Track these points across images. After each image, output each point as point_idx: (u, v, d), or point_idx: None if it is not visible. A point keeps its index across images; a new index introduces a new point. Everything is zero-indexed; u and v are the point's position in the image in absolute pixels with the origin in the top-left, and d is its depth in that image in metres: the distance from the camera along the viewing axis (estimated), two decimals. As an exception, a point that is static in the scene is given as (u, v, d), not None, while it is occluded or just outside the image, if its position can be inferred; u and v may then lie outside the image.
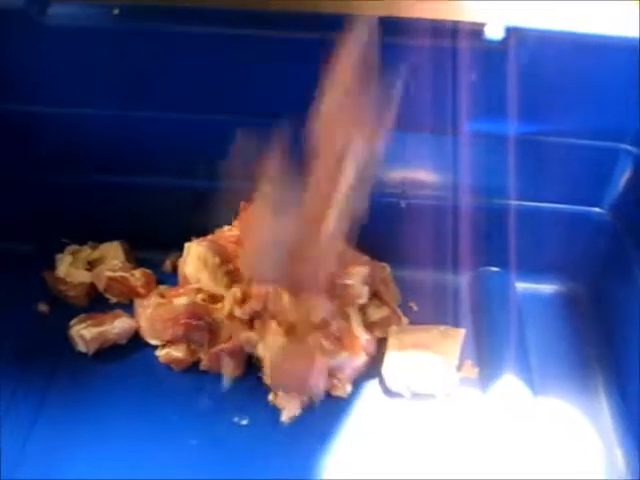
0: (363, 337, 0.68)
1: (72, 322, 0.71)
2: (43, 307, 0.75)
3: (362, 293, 0.70)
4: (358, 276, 0.69)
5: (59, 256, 0.77)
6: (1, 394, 0.66)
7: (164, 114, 0.71)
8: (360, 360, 0.68)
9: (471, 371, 0.70)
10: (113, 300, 0.76)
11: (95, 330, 0.70)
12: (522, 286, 0.78)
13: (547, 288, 0.79)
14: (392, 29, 0.59)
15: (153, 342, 0.71)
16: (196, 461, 0.63)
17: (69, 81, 0.69)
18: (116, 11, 0.65)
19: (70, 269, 0.76)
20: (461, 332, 0.70)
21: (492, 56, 0.63)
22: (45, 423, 0.65)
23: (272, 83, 0.67)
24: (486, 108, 0.66)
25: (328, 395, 0.67)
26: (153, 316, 0.71)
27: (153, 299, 0.72)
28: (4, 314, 0.73)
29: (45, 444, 0.64)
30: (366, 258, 0.72)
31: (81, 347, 0.70)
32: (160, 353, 0.70)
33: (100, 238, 0.78)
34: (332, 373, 0.67)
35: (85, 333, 0.70)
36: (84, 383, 0.69)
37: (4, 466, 0.61)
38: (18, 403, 0.66)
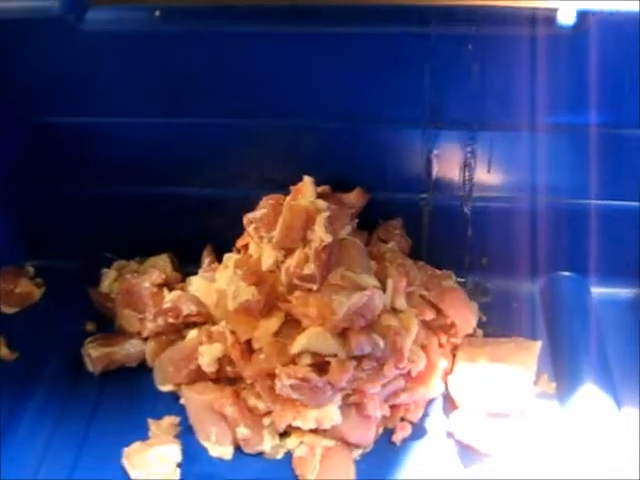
0: (441, 367, 0.65)
1: (87, 340, 0.70)
2: (90, 326, 0.73)
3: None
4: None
5: (104, 271, 0.75)
6: (51, 409, 0.66)
7: (209, 120, 0.68)
8: (437, 391, 0.65)
9: (548, 385, 0.67)
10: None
11: (102, 350, 0.69)
12: (598, 291, 0.75)
13: (625, 292, 0.75)
14: (460, 17, 0.57)
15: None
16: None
17: (110, 89, 0.67)
18: (157, 13, 0.63)
19: (114, 284, 0.74)
20: (537, 344, 0.67)
21: (565, 43, 0.59)
22: (91, 448, 0.64)
23: (325, 83, 0.65)
24: (559, 99, 0.62)
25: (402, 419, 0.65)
26: None
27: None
28: (52, 333, 0.72)
29: (96, 456, 0.63)
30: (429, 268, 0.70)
31: (89, 366, 0.69)
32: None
33: (148, 254, 0.76)
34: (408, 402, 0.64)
35: (92, 352, 0.69)
36: (131, 400, 0.68)
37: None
38: (68, 419, 0.66)
